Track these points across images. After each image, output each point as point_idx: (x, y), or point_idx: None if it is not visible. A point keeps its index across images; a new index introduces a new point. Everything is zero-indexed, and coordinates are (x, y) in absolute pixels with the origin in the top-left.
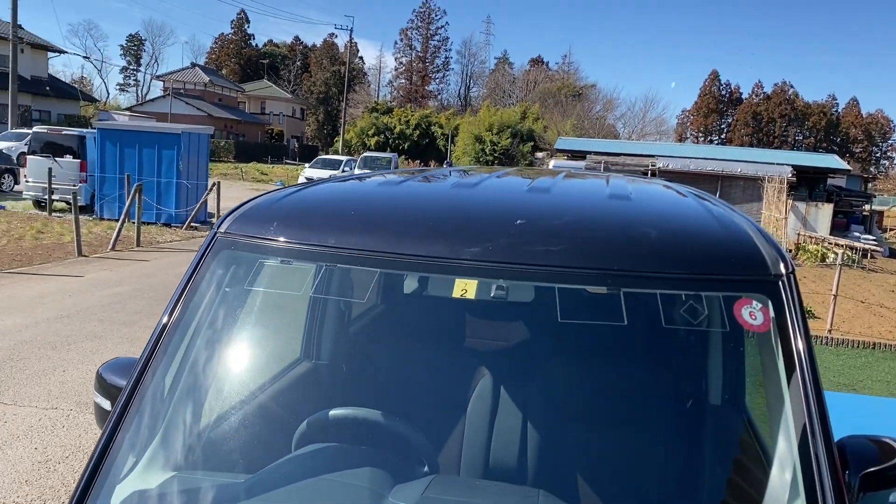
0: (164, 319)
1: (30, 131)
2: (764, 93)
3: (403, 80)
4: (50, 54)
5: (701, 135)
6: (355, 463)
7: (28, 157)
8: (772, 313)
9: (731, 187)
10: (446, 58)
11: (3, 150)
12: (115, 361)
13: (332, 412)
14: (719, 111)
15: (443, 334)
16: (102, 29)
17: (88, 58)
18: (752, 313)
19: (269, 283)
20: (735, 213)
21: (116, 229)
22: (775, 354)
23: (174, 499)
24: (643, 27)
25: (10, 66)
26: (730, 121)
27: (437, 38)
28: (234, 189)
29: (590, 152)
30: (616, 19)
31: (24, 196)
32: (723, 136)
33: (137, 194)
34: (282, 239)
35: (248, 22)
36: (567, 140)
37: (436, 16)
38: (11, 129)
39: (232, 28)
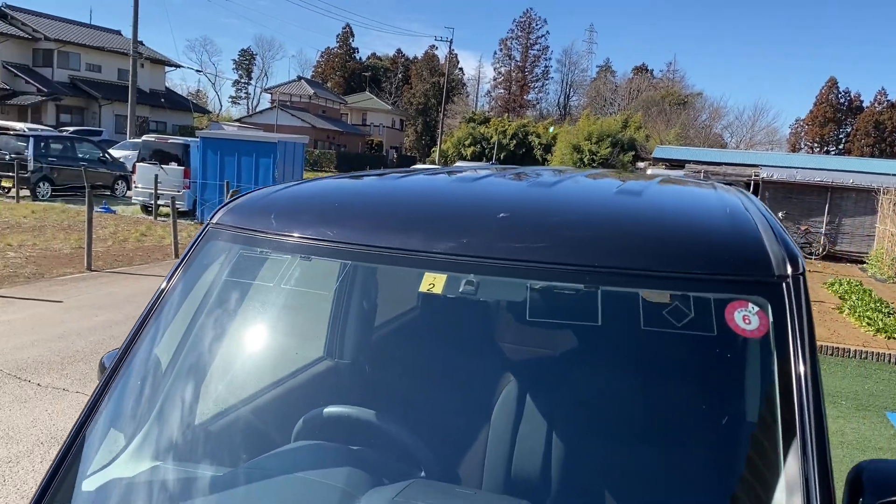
0: (149, 306)
1: None
2: (888, 101)
3: (502, 90)
4: (167, 68)
5: (816, 145)
6: (339, 463)
7: (137, 164)
8: (770, 318)
9: (841, 199)
10: (546, 67)
11: (120, 159)
12: (116, 351)
13: (327, 410)
14: (837, 120)
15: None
16: (217, 44)
17: (202, 71)
18: (746, 317)
19: (256, 273)
20: (759, 213)
21: None
22: (772, 366)
23: (146, 489)
24: (753, 33)
25: (130, 79)
26: (848, 130)
27: (536, 47)
28: None
29: (689, 161)
30: (725, 26)
31: (133, 201)
32: (840, 147)
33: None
34: (266, 230)
35: (353, 36)
36: (666, 149)
37: (536, 25)
38: (130, 138)
39: (337, 42)
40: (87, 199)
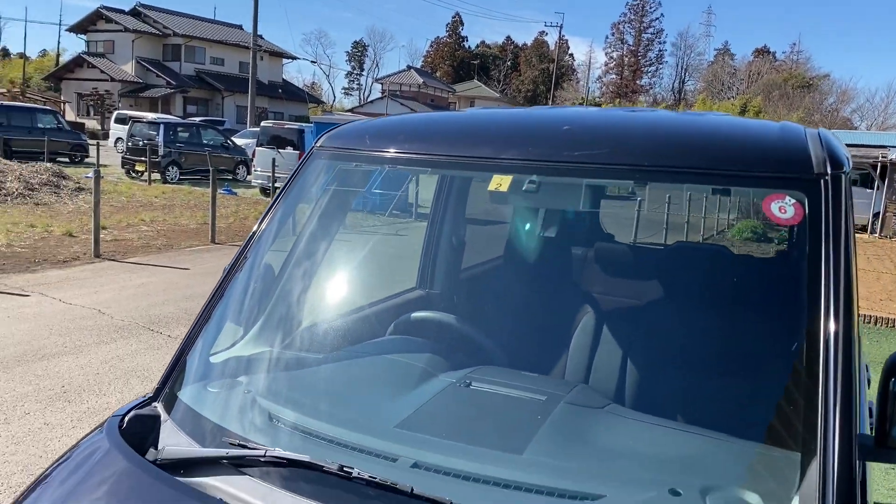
0: (262, 217)
1: None
2: None
3: (613, 76)
4: (284, 61)
5: None
6: (423, 351)
7: (256, 149)
8: (806, 210)
9: None
10: (660, 51)
11: (241, 146)
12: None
13: (416, 314)
14: None
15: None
16: (331, 37)
17: (316, 62)
18: (783, 207)
19: (356, 187)
20: (814, 132)
21: None
22: (804, 253)
23: (261, 364)
24: (888, 9)
25: (250, 72)
26: None
27: (650, 30)
28: None
29: None
30: (855, 3)
31: (252, 184)
32: None
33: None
34: (361, 147)
35: (462, 25)
36: None
37: (650, 8)
38: (249, 127)
39: (447, 31)
40: (211, 179)
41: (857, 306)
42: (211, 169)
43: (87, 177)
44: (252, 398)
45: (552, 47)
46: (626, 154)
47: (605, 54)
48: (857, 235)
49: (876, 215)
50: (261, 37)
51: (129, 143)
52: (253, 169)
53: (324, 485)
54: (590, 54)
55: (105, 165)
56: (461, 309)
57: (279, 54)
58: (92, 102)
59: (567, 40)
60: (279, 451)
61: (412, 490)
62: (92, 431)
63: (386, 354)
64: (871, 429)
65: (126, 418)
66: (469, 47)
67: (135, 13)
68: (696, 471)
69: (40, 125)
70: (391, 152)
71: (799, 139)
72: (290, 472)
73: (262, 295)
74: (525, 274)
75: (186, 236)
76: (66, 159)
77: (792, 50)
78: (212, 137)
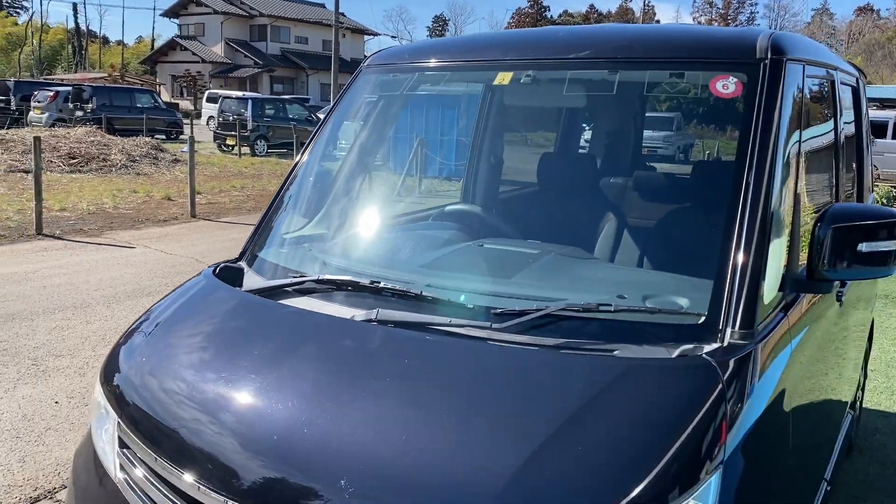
0: (317, 127)
1: None
2: None
3: None
4: (366, 37)
5: None
6: (464, 232)
7: None
8: (745, 87)
9: None
10: (751, 13)
11: None
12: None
13: (450, 207)
14: None
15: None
16: (411, 13)
17: (396, 37)
18: (726, 85)
19: (403, 102)
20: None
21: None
22: (743, 122)
23: (324, 240)
24: None
25: (333, 49)
26: None
27: None
28: None
29: None
30: None
31: (337, 156)
32: None
33: (420, 148)
34: (402, 62)
35: None
36: (876, 88)
37: None
38: (332, 104)
39: (528, 1)
40: (297, 146)
41: (798, 174)
42: (296, 139)
43: (184, 151)
44: (312, 254)
45: (637, 14)
46: (603, 50)
47: (693, 19)
48: None
49: None
50: (343, 14)
51: (220, 119)
52: (337, 141)
53: (360, 296)
54: (677, 19)
55: (199, 141)
56: (495, 211)
57: (361, 31)
58: (185, 84)
59: (653, 6)
60: (328, 276)
61: (420, 292)
62: (190, 278)
63: (421, 231)
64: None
65: (218, 269)
66: (551, 16)
67: None
68: (643, 288)
69: (139, 104)
70: (423, 62)
71: (751, 34)
72: (337, 289)
73: (321, 192)
74: (556, 188)
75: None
76: (163, 136)
77: None
78: (296, 112)
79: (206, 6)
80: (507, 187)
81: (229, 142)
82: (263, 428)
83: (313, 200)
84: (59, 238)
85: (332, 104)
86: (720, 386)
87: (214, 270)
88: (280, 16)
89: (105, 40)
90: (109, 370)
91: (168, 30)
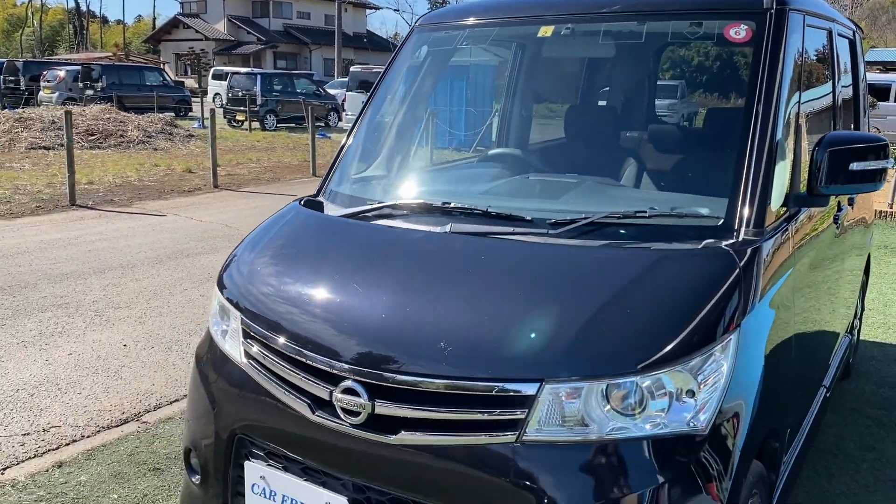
0: (376, 83)
1: None
2: None
3: None
4: (368, 12)
5: None
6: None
7: (346, 93)
8: (754, 31)
9: None
10: None
11: (332, 94)
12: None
13: (492, 151)
14: None
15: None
16: None
17: (398, 10)
18: (738, 31)
19: (453, 55)
20: None
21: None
22: (752, 63)
23: (387, 179)
24: None
25: (336, 24)
26: None
27: None
28: None
29: None
30: None
31: (344, 128)
32: None
33: (432, 119)
34: (451, 20)
35: None
36: (879, 51)
37: None
38: (337, 78)
39: None
40: (309, 120)
41: (798, 110)
42: (309, 111)
43: (196, 126)
44: (382, 188)
45: None
46: (607, 7)
47: None
48: None
49: None
50: None
51: (230, 95)
52: (344, 114)
53: (433, 216)
54: None
55: (207, 118)
56: (533, 153)
57: (363, 5)
58: (189, 61)
59: None
60: (400, 202)
61: (487, 209)
62: (278, 210)
63: (471, 170)
64: None
65: (302, 201)
66: None
67: None
68: (669, 203)
69: (148, 82)
70: (469, 20)
71: None
72: (412, 212)
73: (383, 140)
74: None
75: (290, 171)
76: (172, 113)
77: None
78: (305, 87)
79: None
80: (538, 135)
81: (239, 117)
82: (367, 310)
83: (376, 147)
84: (91, 208)
85: (390, 61)
86: (737, 270)
87: (300, 203)
88: None
89: (104, 20)
90: (227, 281)
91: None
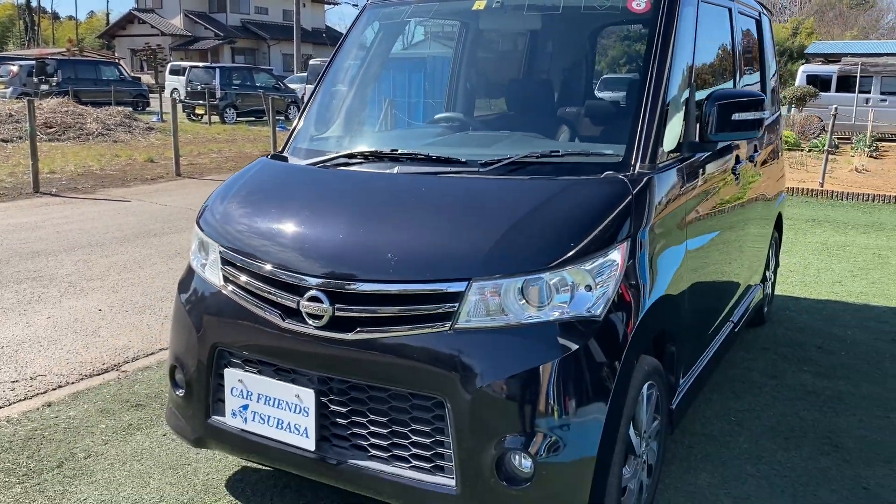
0: (331, 57)
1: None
2: None
3: None
4: (326, 7)
5: None
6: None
7: (307, 87)
8: (652, 4)
9: None
10: None
11: (292, 89)
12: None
13: (438, 115)
14: None
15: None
16: None
17: (356, 5)
18: (638, 3)
19: (398, 34)
20: None
21: None
22: (650, 32)
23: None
24: None
25: (295, 19)
26: None
27: None
28: None
29: (846, 54)
30: None
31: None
32: None
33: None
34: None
35: None
36: (821, 44)
37: None
38: (296, 73)
39: None
40: (270, 112)
41: (692, 68)
42: (270, 102)
43: (155, 120)
44: (339, 143)
45: None
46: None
47: None
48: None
49: None
50: None
51: (189, 88)
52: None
53: (384, 162)
54: None
55: (166, 112)
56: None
57: (321, 0)
58: (145, 57)
59: None
60: (353, 150)
61: (429, 154)
62: (247, 164)
63: (421, 128)
64: None
65: (269, 156)
66: None
67: None
68: (580, 148)
69: (104, 77)
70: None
71: None
72: (365, 159)
73: (338, 106)
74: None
75: (251, 160)
76: (130, 108)
77: None
78: (264, 80)
79: None
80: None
81: (198, 111)
82: (328, 234)
83: (334, 111)
84: (56, 195)
85: (343, 37)
86: (630, 196)
87: (267, 157)
88: None
89: (55, 16)
90: (205, 220)
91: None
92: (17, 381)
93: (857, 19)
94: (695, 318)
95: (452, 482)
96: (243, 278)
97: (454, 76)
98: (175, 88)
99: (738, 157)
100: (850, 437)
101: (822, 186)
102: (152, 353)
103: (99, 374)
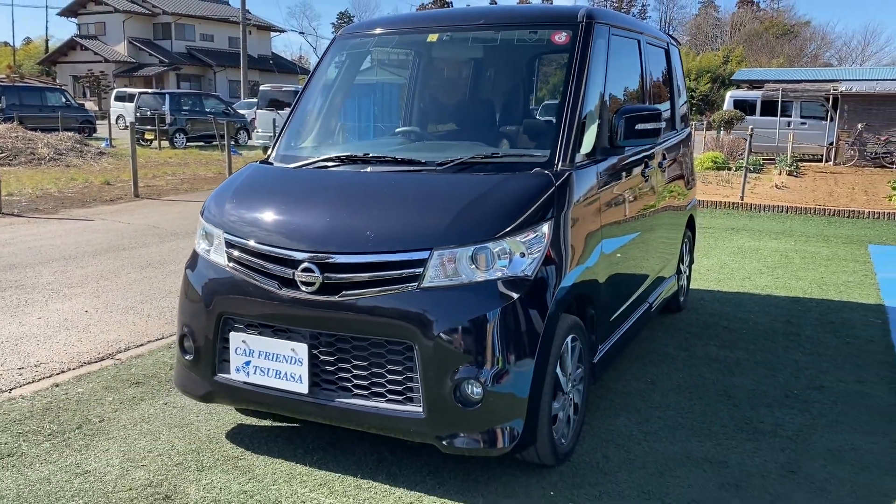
0: (306, 82)
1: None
2: None
3: None
4: (272, 34)
5: None
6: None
7: (257, 111)
8: (570, 36)
9: None
10: (643, 5)
11: (241, 114)
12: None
13: (398, 129)
14: None
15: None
16: (316, 9)
17: (303, 33)
18: (560, 36)
19: (362, 63)
20: (588, 7)
21: None
22: (569, 59)
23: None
24: None
25: (241, 46)
26: None
27: None
28: None
29: (769, 81)
30: None
31: (254, 143)
32: None
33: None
34: (364, 31)
35: None
36: (746, 71)
37: None
38: (243, 99)
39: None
40: (226, 135)
41: (605, 92)
42: (224, 126)
43: (105, 145)
44: (318, 151)
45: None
46: (475, 21)
47: None
48: (814, 164)
49: (831, 144)
50: (248, 11)
51: (138, 114)
52: (255, 130)
53: (356, 164)
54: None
55: (115, 138)
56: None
57: (267, 28)
58: (88, 84)
59: None
60: (333, 155)
61: (395, 156)
62: (240, 169)
63: (384, 139)
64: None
65: (258, 163)
66: None
67: None
68: (517, 153)
69: (50, 103)
70: (377, 31)
71: (576, 8)
72: (342, 162)
73: (314, 122)
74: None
75: (206, 182)
76: (77, 134)
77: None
78: (214, 106)
79: (107, 4)
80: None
81: (147, 136)
82: (317, 218)
83: (310, 126)
84: (18, 216)
85: (316, 65)
86: (553, 187)
87: (255, 163)
88: (184, 14)
89: None
90: (209, 212)
91: (62, 31)
92: (22, 367)
93: (783, 48)
94: (610, 290)
95: (420, 409)
96: (246, 257)
97: (412, 96)
98: (121, 115)
99: (647, 163)
100: (741, 390)
101: (742, 200)
102: (142, 345)
103: (96, 362)
